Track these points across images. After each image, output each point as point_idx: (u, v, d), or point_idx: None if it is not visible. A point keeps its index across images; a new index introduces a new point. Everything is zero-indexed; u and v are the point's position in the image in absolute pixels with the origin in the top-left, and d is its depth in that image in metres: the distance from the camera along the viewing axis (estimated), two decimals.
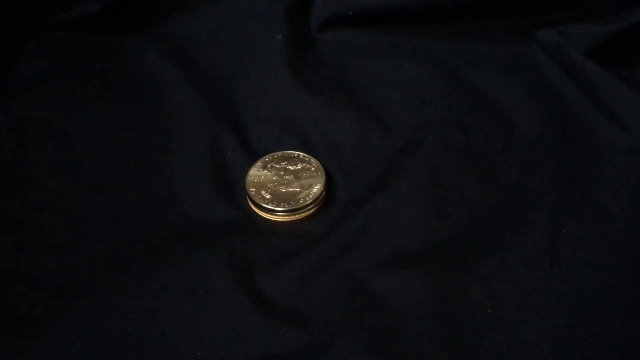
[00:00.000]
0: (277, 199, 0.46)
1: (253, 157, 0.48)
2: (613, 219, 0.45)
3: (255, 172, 0.47)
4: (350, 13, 0.54)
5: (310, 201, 0.46)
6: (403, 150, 0.49)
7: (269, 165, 0.48)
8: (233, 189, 0.48)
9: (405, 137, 0.49)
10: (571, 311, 0.41)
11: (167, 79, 0.53)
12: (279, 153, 0.48)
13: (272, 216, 0.46)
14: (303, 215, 0.46)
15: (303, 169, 0.47)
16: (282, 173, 0.47)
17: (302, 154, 0.48)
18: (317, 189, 0.46)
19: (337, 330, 0.41)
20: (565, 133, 0.49)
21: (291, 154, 0.48)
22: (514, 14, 0.55)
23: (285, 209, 0.46)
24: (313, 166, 0.48)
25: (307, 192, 0.46)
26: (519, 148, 0.49)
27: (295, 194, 0.46)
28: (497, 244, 0.44)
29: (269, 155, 0.48)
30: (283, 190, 0.46)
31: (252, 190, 0.46)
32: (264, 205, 0.46)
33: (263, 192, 0.46)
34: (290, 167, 0.47)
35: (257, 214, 0.46)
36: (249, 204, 0.47)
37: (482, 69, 0.53)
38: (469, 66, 0.53)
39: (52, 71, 0.53)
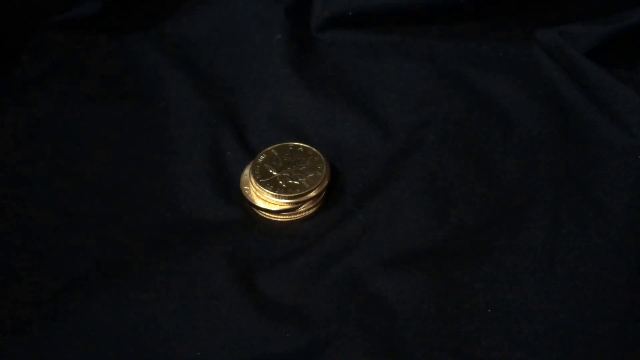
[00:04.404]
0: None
1: (253, 157, 0.48)
2: (613, 219, 0.45)
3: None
4: (350, 13, 0.54)
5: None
6: (403, 150, 0.49)
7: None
8: (233, 189, 0.48)
9: (405, 137, 0.49)
10: (571, 311, 0.41)
11: (167, 79, 0.53)
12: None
13: (272, 216, 0.46)
14: (303, 215, 0.46)
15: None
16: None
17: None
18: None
19: (337, 330, 0.41)
20: (565, 133, 0.49)
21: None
22: (514, 14, 0.55)
23: (285, 208, 0.46)
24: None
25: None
26: (519, 148, 0.49)
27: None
28: (497, 244, 0.44)
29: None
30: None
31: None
32: (261, 206, 0.46)
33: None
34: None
35: (257, 213, 0.46)
36: (248, 204, 0.47)
37: (482, 69, 0.53)
38: (469, 66, 0.53)
39: (52, 71, 0.53)
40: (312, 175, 0.46)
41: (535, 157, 0.48)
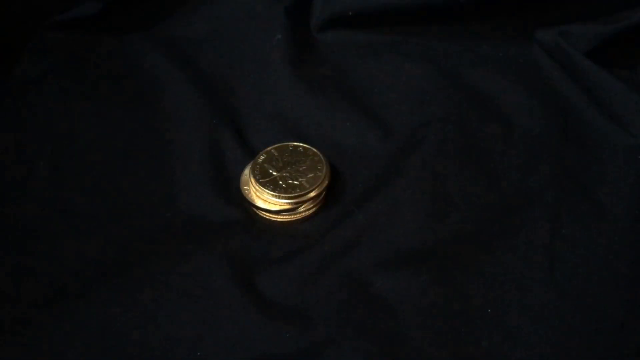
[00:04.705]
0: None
1: (253, 157, 0.48)
2: (613, 219, 0.45)
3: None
4: (350, 13, 0.54)
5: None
6: (403, 150, 0.49)
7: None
8: (233, 189, 0.48)
9: (405, 137, 0.49)
10: (571, 311, 0.41)
11: (167, 79, 0.53)
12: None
13: (272, 216, 0.46)
14: (303, 215, 0.46)
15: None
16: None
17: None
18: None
19: (337, 330, 0.41)
20: (565, 133, 0.49)
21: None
22: (514, 14, 0.55)
23: (285, 208, 0.46)
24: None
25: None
26: (519, 148, 0.49)
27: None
28: (497, 244, 0.44)
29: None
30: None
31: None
32: (261, 206, 0.46)
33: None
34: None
35: (257, 213, 0.46)
36: (248, 204, 0.47)
37: (482, 69, 0.53)
38: (469, 66, 0.53)
39: (52, 71, 0.53)
40: (312, 175, 0.46)
41: (535, 157, 0.48)
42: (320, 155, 0.47)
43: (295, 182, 0.46)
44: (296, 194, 0.45)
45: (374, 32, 0.55)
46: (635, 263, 0.43)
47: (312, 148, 0.48)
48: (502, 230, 0.44)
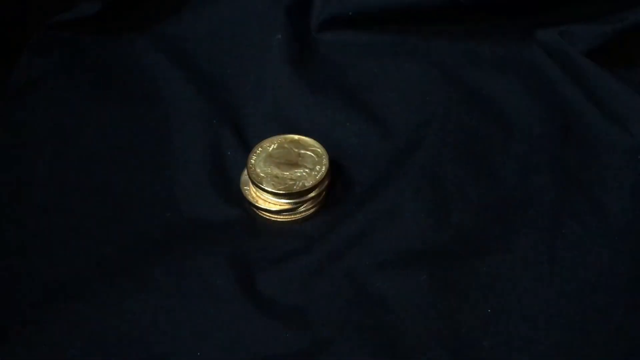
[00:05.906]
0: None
1: None
2: (613, 219, 0.45)
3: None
4: (350, 13, 0.54)
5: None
6: (403, 150, 0.49)
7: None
8: (233, 189, 0.48)
9: (405, 137, 0.49)
10: (571, 311, 0.41)
11: (167, 79, 0.53)
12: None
13: (272, 216, 0.46)
14: (303, 215, 0.46)
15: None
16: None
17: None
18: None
19: (337, 330, 0.41)
20: (565, 133, 0.49)
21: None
22: (514, 14, 0.55)
23: (285, 208, 0.45)
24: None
25: (312, 174, 0.46)
26: (519, 148, 0.49)
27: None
28: (497, 244, 0.44)
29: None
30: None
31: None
32: (261, 206, 0.46)
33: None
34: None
35: (257, 213, 0.46)
36: (248, 204, 0.47)
37: (482, 69, 0.53)
38: (469, 66, 0.53)
39: (52, 71, 0.53)
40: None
41: (535, 156, 0.48)
42: (322, 156, 0.47)
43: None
44: (296, 194, 0.45)
45: (374, 32, 0.55)
46: (635, 263, 0.43)
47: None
48: (502, 230, 0.44)
